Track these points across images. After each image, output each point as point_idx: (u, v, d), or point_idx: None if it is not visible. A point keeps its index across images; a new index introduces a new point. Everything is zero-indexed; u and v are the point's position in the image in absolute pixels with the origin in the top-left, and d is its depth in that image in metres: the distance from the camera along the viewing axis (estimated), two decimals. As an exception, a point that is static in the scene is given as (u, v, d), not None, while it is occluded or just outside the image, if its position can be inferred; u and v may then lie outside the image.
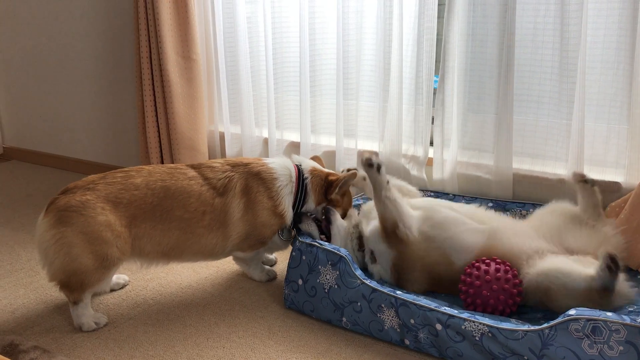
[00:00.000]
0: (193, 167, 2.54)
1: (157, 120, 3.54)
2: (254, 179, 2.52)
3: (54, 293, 2.64)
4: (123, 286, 2.70)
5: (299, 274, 2.41)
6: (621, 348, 1.77)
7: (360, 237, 2.53)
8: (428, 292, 2.39)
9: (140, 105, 3.56)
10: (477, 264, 2.25)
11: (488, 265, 2.22)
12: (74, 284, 2.31)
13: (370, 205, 2.59)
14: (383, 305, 2.17)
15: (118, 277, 2.70)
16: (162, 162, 3.58)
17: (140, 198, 2.37)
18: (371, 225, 2.49)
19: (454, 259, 2.33)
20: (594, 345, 1.80)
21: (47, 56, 4.35)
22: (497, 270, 2.20)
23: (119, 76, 4.01)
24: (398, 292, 2.18)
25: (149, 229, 2.38)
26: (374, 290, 2.20)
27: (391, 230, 2.35)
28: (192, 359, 2.17)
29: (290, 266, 2.44)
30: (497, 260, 2.24)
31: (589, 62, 2.55)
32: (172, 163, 3.51)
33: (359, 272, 2.28)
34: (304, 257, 2.39)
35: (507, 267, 2.22)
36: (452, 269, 2.32)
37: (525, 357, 1.90)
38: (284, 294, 2.49)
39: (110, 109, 4.15)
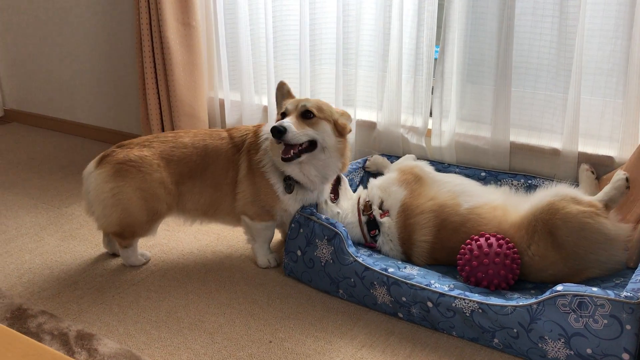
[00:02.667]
0: (227, 130, 2.66)
1: (157, 87, 3.55)
2: (253, 142, 2.56)
3: (59, 258, 2.71)
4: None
5: (297, 245, 2.47)
6: (605, 322, 1.84)
7: (368, 204, 2.62)
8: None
9: (140, 72, 3.56)
10: (477, 239, 2.29)
11: (488, 239, 2.26)
12: (127, 233, 2.55)
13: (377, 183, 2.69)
14: (375, 283, 2.24)
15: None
16: (163, 129, 3.60)
17: (188, 156, 2.53)
18: (382, 177, 2.72)
19: (461, 200, 2.47)
20: (580, 319, 1.87)
21: (46, 19, 4.32)
22: (500, 245, 2.24)
23: (119, 42, 4.00)
24: (390, 269, 2.24)
25: (190, 186, 2.53)
26: (366, 268, 2.26)
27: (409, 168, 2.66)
28: (194, 325, 2.25)
29: (289, 237, 2.50)
30: (497, 235, 2.28)
31: (587, 37, 2.55)
32: (173, 130, 3.54)
33: (352, 250, 2.34)
34: (301, 230, 2.45)
35: (507, 243, 2.26)
36: (457, 212, 2.43)
37: (515, 330, 1.98)
38: (283, 262, 2.56)
39: (110, 74, 4.15)
